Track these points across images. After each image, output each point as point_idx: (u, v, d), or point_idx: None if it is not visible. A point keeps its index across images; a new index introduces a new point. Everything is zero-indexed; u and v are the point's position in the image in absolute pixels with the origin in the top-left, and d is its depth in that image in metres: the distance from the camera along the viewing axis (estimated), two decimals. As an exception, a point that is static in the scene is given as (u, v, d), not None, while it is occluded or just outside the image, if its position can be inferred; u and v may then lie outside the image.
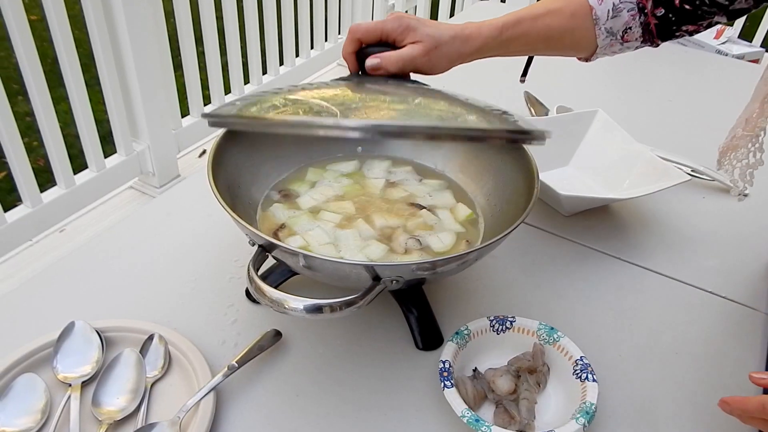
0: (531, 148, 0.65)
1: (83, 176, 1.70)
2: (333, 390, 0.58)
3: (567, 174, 0.86)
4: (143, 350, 0.58)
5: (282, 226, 0.65)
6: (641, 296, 0.70)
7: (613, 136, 0.86)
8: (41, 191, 1.60)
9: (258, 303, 0.65)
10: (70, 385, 0.55)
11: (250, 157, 0.68)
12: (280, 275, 0.65)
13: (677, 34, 0.69)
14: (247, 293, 0.66)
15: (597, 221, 0.80)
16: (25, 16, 1.37)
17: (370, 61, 0.64)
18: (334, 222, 0.66)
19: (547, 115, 1.00)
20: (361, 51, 0.65)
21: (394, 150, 0.76)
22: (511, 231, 0.56)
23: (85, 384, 0.56)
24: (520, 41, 0.66)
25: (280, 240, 0.63)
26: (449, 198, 0.71)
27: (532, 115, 1.00)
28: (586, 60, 0.72)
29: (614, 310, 0.68)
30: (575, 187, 0.84)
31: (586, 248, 0.76)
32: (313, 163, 0.74)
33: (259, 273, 0.53)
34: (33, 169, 1.54)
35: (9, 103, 1.41)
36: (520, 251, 0.74)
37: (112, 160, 1.76)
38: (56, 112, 1.53)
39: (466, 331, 0.59)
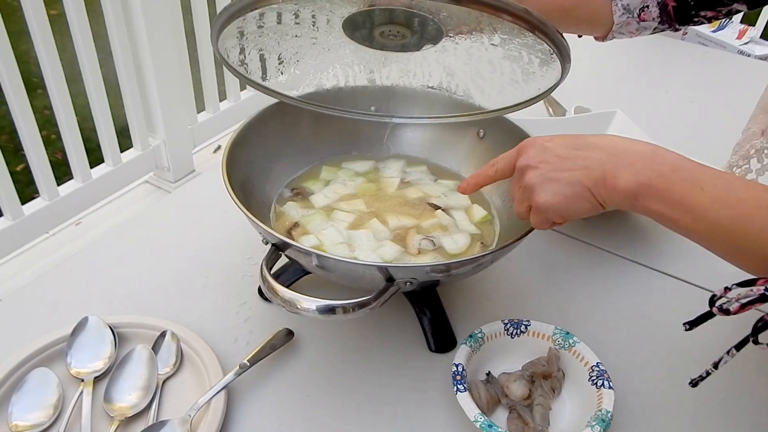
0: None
1: (99, 170, 1.71)
2: (344, 391, 0.57)
3: (584, 175, 0.85)
4: (155, 347, 0.58)
5: (295, 225, 0.65)
6: (660, 302, 0.68)
7: (633, 137, 0.84)
8: (59, 184, 1.62)
9: (270, 302, 0.64)
10: (82, 381, 0.55)
11: (264, 155, 0.68)
12: (293, 274, 0.65)
13: (695, 19, 0.67)
14: (260, 291, 0.66)
15: (615, 224, 0.78)
16: (44, 11, 1.38)
17: None
18: (348, 221, 0.65)
19: (564, 115, 0.98)
20: None
21: (409, 148, 0.75)
22: (527, 234, 0.55)
23: (97, 379, 0.56)
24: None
25: (293, 239, 0.62)
26: (464, 199, 0.70)
27: (550, 116, 0.99)
28: (603, 39, 0.71)
29: (632, 315, 0.66)
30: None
31: (604, 252, 0.75)
32: (327, 162, 0.73)
33: (272, 272, 0.53)
34: (51, 162, 1.56)
35: (29, 97, 1.42)
36: (537, 254, 0.73)
37: (128, 154, 1.78)
38: (74, 106, 1.55)
39: (479, 335, 0.58)
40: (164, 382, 0.56)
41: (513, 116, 0.68)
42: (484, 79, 0.64)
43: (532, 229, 0.54)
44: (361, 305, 0.49)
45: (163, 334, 0.59)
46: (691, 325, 0.48)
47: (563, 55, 0.55)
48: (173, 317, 0.61)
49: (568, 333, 0.58)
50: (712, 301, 0.48)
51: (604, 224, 0.78)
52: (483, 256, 0.53)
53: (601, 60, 1.24)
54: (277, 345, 0.59)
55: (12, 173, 1.46)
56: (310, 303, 0.48)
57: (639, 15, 0.67)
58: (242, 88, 2.07)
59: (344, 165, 0.73)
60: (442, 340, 0.61)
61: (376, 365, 0.60)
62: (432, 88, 0.69)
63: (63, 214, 1.65)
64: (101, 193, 1.74)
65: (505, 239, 0.64)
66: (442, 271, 0.54)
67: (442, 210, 0.68)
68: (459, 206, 0.69)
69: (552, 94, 1.02)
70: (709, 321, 0.53)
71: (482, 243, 0.65)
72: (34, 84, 1.65)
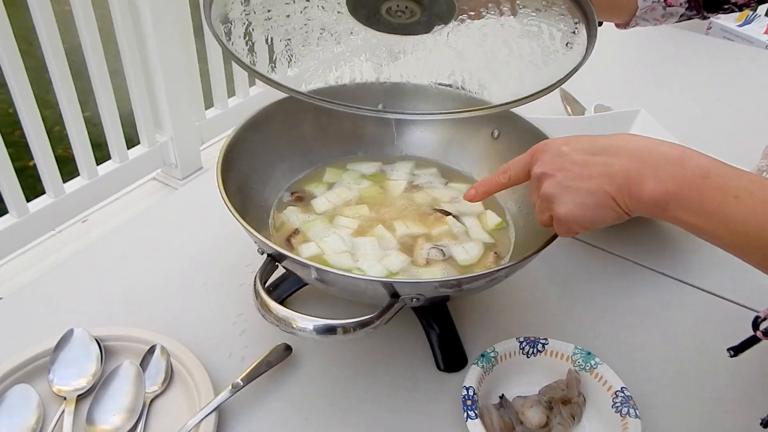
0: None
1: (106, 167, 1.69)
2: (345, 414, 0.53)
3: (606, 179, 0.80)
4: (144, 362, 0.54)
5: (295, 232, 0.61)
6: (691, 319, 0.63)
7: (656, 137, 0.79)
8: (71, 179, 1.60)
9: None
10: (65, 399, 0.52)
11: (264, 156, 0.64)
12: (294, 283, 0.61)
13: (725, 6, 0.63)
14: (258, 302, 0.62)
15: (640, 232, 0.73)
16: (50, 8, 1.36)
17: None
18: (352, 228, 0.61)
19: (584, 114, 0.93)
20: None
21: (419, 149, 0.71)
22: (546, 245, 0.50)
23: (81, 397, 0.52)
24: None
25: (292, 246, 0.59)
26: (477, 204, 0.65)
27: (569, 114, 0.94)
28: (625, 26, 0.66)
29: (661, 334, 0.61)
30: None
31: (629, 262, 0.70)
32: (331, 163, 0.69)
33: (270, 281, 0.49)
34: (62, 158, 1.54)
35: (41, 93, 1.40)
36: (555, 264, 0.68)
37: (136, 151, 1.76)
38: (81, 103, 1.53)
39: (492, 354, 0.54)
40: (152, 401, 0.52)
41: (530, 115, 0.64)
42: (500, 64, 0.58)
43: (550, 241, 0.50)
44: (363, 324, 0.45)
45: (152, 349, 0.55)
46: (736, 351, 0.44)
47: (589, 21, 0.48)
48: (166, 326, 0.58)
49: (589, 353, 0.54)
50: (755, 324, 0.43)
51: (630, 231, 0.73)
52: (497, 270, 0.49)
53: (621, 56, 1.18)
54: (273, 362, 0.55)
55: (25, 168, 1.44)
56: (306, 322, 0.44)
57: None
58: (251, 84, 2.04)
59: (349, 167, 0.69)
60: (451, 358, 0.57)
61: (379, 385, 0.55)
62: (443, 85, 0.64)
63: (69, 211, 1.64)
64: (108, 190, 1.72)
65: (520, 248, 0.59)
66: (452, 286, 0.50)
67: (453, 216, 0.63)
68: (471, 212, 0.64)
69: (571, 93, 0.97)
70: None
71: (496, 253, 0.60)
72: (47, 79, 1.63)
